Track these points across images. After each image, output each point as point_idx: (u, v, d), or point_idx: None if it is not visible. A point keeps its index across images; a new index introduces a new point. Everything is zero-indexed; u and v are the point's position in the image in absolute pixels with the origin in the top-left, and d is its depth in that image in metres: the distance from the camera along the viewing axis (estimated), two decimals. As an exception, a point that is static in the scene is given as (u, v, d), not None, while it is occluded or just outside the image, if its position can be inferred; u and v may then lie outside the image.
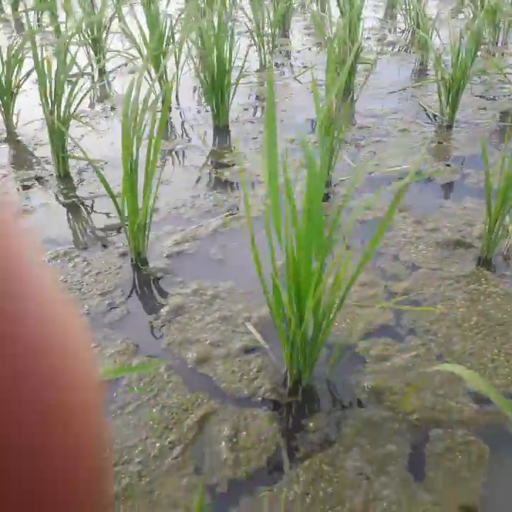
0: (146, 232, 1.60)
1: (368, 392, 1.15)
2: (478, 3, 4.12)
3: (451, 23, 4.43)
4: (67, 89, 2.04)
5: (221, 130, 2.51)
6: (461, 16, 4.74)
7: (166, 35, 2.85)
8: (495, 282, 1.46)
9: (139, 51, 2.86)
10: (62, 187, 2.05)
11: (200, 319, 1.35)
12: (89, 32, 3.39)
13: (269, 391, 1.16)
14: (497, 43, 3.75)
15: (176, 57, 2.89)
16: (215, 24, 2.38)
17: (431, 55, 3.13)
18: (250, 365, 1.22)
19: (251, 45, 3.73)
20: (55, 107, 2.04)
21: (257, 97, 2.91)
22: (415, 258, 1.56)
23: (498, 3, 3.49)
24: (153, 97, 1.68)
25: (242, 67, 2.59)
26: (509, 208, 1.51)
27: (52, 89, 2.01)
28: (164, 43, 2.85)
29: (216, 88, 2.42)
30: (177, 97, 2.94)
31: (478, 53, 3.50)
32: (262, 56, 3.41)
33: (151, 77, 2.90)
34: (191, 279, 1.51)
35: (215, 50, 2.31)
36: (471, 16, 4.49)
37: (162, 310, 1.40)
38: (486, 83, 3.00)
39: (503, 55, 3.52)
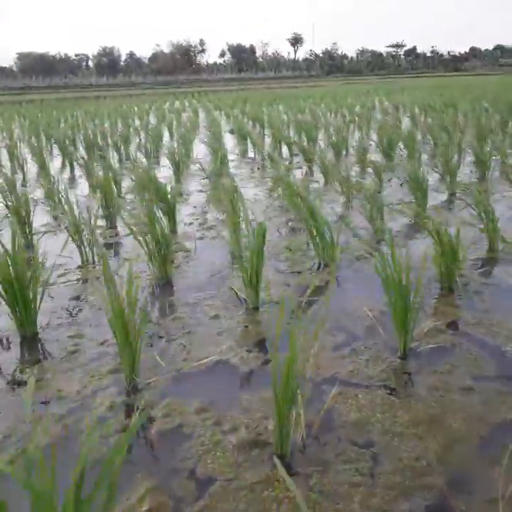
0: None
1: None
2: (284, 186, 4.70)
3: (264, 202, 4.99)
4: None
5: (28, 339, 2.39)
6: (275, 194, 5.36)
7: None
8: (287, 483, 1.43)
9: None
10: None
11: None
12: None
13: None
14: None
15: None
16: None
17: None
18: None
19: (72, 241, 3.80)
20: None
21: (78, 297, 2.87)
22: (212, 469, 1.50)
23: (291, 185, 4.02)
24: None
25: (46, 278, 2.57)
26: (294, 398, 1.55)
27: None
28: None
29: (18, 296, 2.34)
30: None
31: (284, 230, 3.92)
32: (84, 251, 3.45)
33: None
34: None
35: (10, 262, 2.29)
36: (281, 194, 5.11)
37: None
38: (290, 259, 3.29)
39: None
